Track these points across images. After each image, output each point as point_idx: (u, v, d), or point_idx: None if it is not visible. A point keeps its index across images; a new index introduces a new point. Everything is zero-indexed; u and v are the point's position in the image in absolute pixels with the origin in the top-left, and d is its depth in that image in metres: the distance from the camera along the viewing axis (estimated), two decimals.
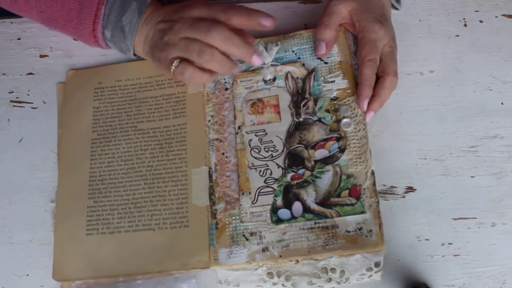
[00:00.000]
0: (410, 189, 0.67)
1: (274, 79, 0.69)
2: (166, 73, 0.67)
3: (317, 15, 0.71)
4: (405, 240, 0.65)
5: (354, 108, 0.66)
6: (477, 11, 0.76)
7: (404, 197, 0.66)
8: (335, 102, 0.67)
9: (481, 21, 0.75)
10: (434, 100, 0.71)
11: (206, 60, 0.63)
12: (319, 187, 0.63)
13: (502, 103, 0.71)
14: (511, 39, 0.74)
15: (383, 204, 0.65)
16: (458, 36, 0.75)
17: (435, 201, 0.66)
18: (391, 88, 0.67)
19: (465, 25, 0.75)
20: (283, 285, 0.63)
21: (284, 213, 0.63)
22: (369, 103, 0.66)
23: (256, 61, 0.64)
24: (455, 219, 0.65)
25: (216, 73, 0.66)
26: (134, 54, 0.71)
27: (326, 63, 0.69)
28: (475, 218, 0.65)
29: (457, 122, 0.70)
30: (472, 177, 0.67)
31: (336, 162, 0.64)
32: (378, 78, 0.67)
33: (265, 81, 0.69)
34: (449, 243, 0.64)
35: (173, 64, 0.65)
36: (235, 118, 0.69)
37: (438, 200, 0.66)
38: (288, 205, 0.63)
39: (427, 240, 0.64)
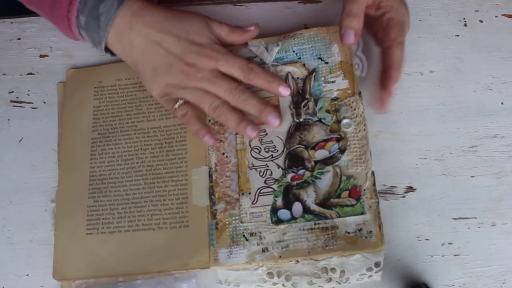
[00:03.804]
0: (410, 189, 0.67)
1: None
2: (161, 102, 0.68)
3: (317, 15, 0.71)
4: (405, 240, 0.65)
5: (355, 109, 0.65)
6: (477, 11, 0.76)
7: (404, 197, 0.66)
8: (335, 102, 0.66)
9: (481, 21, 0.75)
10: (434, 100, 0.71)
11: (219, 115, 0.66)
12: (319, 188, 0.63)
13: (502, 103, 0.71)
14: (511, 39, 0.74)
15: (383, 204, 0.65)
16: (458, 36, 0.74)
17: (435, 201, 0.66)
18: (402, 57, 0.66)
19: (465, 25, 0.75)
20: (283, 285, 0.63)
21: (284, 213, 0.63)
22: (387, 79, 0.65)
23: (272, 121, 0.65)
24: (455, 219, 0.65)
25: (212, 134, 0.67)
26: (106, 49, 0.68)
27: (326, 63, 0.69)
28: (475, 218, 0.65)
29: (457, 122, 0.70)
30: (472, 177, 0.67)
31: (336, 163, 0.64)
32: (385, 49, 0.66)
33: None
34: (449, 243, 0.64)
35: (178, 103, 0.67)
36: None
37: (438, 200, 0.66)
38: (288, 205, 0.63)
39: (427, 240, 0.64)
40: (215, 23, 0.68)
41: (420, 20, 0.75)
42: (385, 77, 0.66)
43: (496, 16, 0.75)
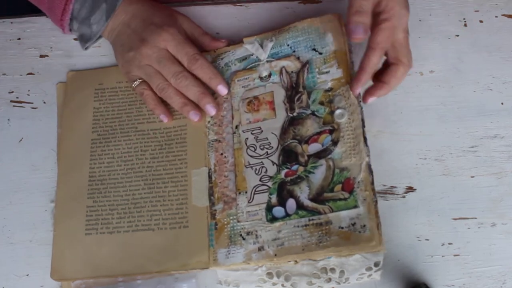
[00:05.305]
0: (410, 189, 0.67)
1: (270, 75, 0.68)
2: (126, 78, 0.72)
3: (317, 15, 0.70)
4: (405, 240, 0.64)
5: (348, 98, 0.64)
6: (477, 11, 0.76)
7: (404, 197, 0.66)
8: (329, 93, 0.65)
9: (481, 21, 0.75)
10: (434, 100, 0.71)
11: (165, 97, 0.69)
12: (312, 183, 0.62)
13: (502, 103, 0.70)
14: (511, 39, 0.74)
15: (383, 204, 0.64)
16: (458, 36, 0.74)
17: (435, 201, 0.66)
18: (402, 78, 0.65)
19: (465, 25, 0.75)
20: (282, 285, 0.62)
21: (278, 211, 0.62)
22: (376, 89, 0.65)
23: (209, 110, 0.68)
24: (455, 219, 0.65)
25: (167, 113, 0.70)
26: (86, 48, 0.74)
27: (320, 53, 0.67)
28: (475, 218, 0.65)
29: (457, 122, 0.70)
30: (472, 177, 0.67)
31: (329, 156, 0.62)
32: (390, 65, 0.65)
33: (261, 78, 0.69)
34: (449, 243, 0.64)
35: (135, 83, 0.70)
36: (232, 118, 0.68)
37: (438, 200, 0.66)
38: (282, 202, 0.62)
39: (427, 240, 0.64)
40: (187, 20, 0.73)
41: (420, 20, 0.75)
42: (355, 77, 0.64)
43: (496, 16, 0.75)
